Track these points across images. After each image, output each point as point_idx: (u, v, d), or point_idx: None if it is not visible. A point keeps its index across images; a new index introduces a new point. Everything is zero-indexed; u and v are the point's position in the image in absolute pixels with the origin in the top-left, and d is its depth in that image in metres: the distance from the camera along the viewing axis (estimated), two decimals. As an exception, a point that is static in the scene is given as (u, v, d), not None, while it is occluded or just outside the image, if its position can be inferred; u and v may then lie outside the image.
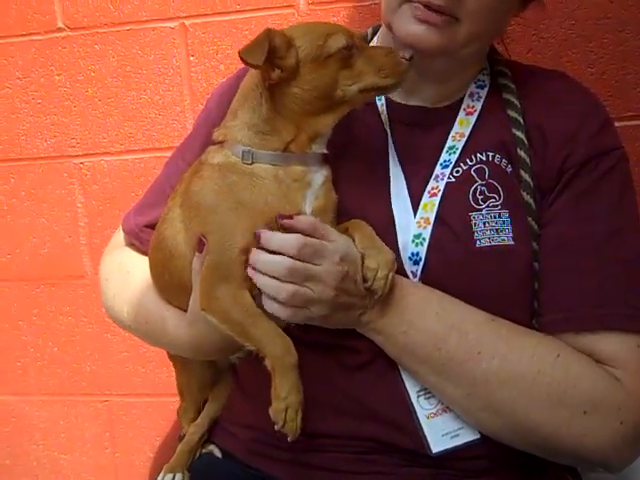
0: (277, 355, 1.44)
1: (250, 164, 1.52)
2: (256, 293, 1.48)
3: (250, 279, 1.46)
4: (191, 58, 2.54)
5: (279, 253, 1.44)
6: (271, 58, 1.44)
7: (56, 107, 2.66)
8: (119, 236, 2.01)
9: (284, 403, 1.43)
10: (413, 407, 1.58)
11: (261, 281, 1.45)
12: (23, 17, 2.61)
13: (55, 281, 2.80)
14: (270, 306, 1.46)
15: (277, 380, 1.44)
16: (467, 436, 1.57)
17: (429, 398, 1.58)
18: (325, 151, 1.57)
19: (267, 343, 1.45)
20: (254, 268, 1.45)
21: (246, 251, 1.46)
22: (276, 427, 1.44)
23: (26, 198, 2.75)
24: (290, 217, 1.46)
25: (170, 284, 1.67)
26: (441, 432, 1.57)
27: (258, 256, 1.45)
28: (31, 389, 2.91)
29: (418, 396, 1.58)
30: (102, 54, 2.59)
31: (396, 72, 1.51)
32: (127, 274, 1.86)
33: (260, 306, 1.47)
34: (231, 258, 1.47)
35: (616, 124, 1.72)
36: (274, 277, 1.44)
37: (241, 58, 1.42)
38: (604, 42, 2.26)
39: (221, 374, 1.89)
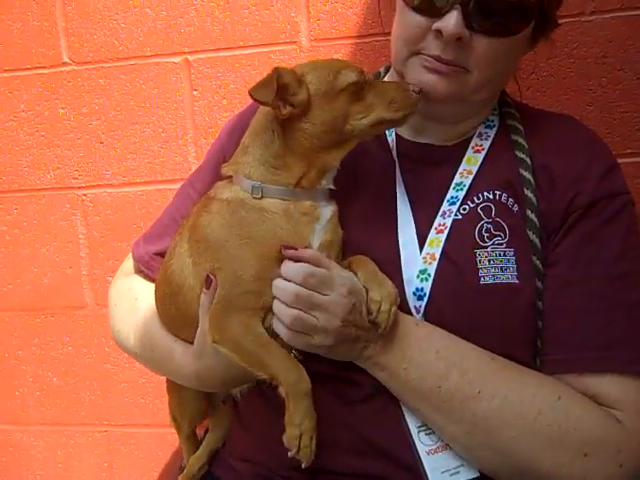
0: (291, 382, 1.46)
1: (260, 198, 1.55)
2: (268, 324, 1.52)
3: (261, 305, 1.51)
4: (194, 93, 2.56)
5: (289, 279, 1.48)
6: (282, 95, 1.48)
7: (60, 140, 2.69)
8: (129, 263, 2.03)
9: (298, 430, 1.44)
10: (414, 443, 1.58)
11: (274, 304, 1.49)
12: (28, 51, 2.64)
13: (55, 311, 2.80)
14: (276, 326, 1.50)
15: (291, 407, 1.45)
16: (467, 474, 1.57)
17: (430, 434, 1.59)
18: (332, 187, 1.60)
19: (281, 370, 1.47)
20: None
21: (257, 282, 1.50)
22: (290, 453, 1.45)
23: (28, 229, 2.76)
24: (294, 248, 1.49)
25: (176, 317, 1.69)
26: (441, 469, 1.57)
27: (275, 281, 1.49)
28: (30, 419, 2.91)
29: (419, 431, 1.59)
30: (106, 88, 2.62)
31: (407, 105, 1.55)
32: (135, 301, 1.88)
33: (273, 334, 1.51)
34: (242, 290, 1.50)
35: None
36: (284, 302, 1.48)
37: (251, 96, 1.46)
38: (603, 81, 2.29)
39: (216, 406, 1.89)
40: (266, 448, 1.68)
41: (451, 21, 1.52)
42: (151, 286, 1.84)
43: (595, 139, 1.75)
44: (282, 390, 1.46)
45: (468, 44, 1.55)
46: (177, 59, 2.56)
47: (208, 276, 1.53)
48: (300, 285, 1.46)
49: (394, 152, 1.76)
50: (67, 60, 2.63)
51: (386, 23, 1.72)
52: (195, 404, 1.86)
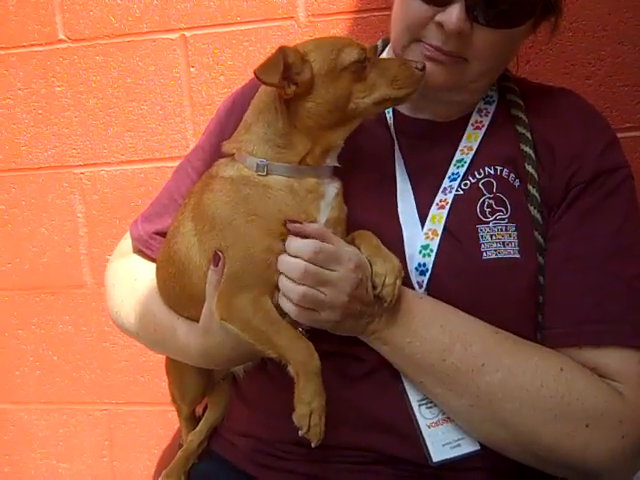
0: (301, 360, 1.46)
1: (264, 176, 1.54)
2: (276, 302, 1.51)
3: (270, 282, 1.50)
4: (191, 69, 2.55)
5: (296, 256, 1.47)
6: (287, 74, 1.47)
7: (57, 118, 2.67)
8: (126, 243, 2.02)
9: (308, 408, 1.44)
10: (415, 416, 1.59)
11: (280, 280, 1.49)
12: (24, 28, 2.62)
13: (55, 290, 2.80)
14: (283, 303, 1.49)
15: (301, 385, 1.45)
16: (467, 447, 1.58)
17: (430, 407, 1.60)
18: (337, 164, 1.60)
19: (290, 349, 1.47)
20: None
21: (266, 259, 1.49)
22: (300, 432, 1.45)
23: (26, 208, 2.76)
24: (299, 222, 1.49)
25: (181, 296, 1.69)
26: (442, 442, 1.58)
27: (281, 258, 1.48)
28: (30, 397, 2.91)
29: (419, 405, 1.60)
30: (103, 65, 2.61)
31: (410, 82, 1.54)
32: (134, 281, 1.88)
33: (282, 312, 1.50)
34: (251, 268, 1.50)
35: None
36: (291, 278, 1.47)
37: (257, 77, 1.45)
38: (602, 54, 2.28)
39: (216, 383, 1.90)
40: (267, 423, 1.69)
41: (453, 15, 1.52)
42: (151, 266, 1.84)
43: (594, 113, 1.75)
44: (291, 369, 1.46)
45: (469, 35, 1.55)
46: (174, 35, 2.54)
47: (216, 253, 1.52)
48: (308, 261, 1.46)
49: (392, 128, 1.75)
50: (63, 37, 2.61)
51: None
52: (195, 385, 1.87)
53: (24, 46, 2.64)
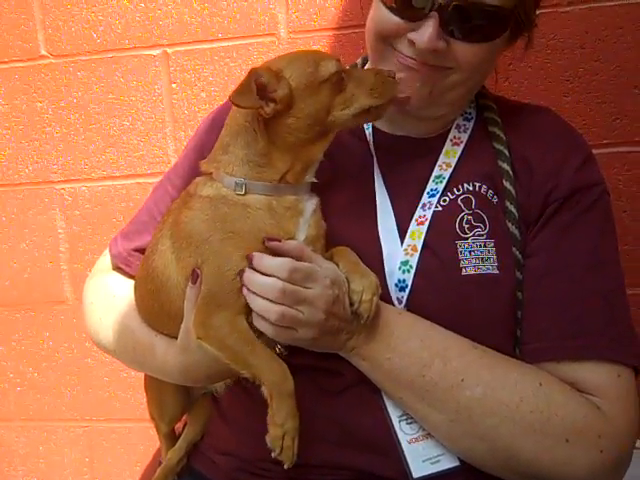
0: (275, 382, 1.45)
1: (243, 195, 1.53)
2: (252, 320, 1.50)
3: (245, 302, 1.48)
4: (173, 85, 2.56)
5: (271, 275, 1.45)
6: (263, 94, 1.46)
7: (38, 133, 2.68)
8: (105, 260, 2.01)
9: (281, 430, 1.44)
10: (395, 432, 1.59)
11: (253, 301, 1.46)
12: (6, 44, 2.63)
13: (36, 306, 2.79)
14: (259, 324, 1.48)
15: (275, 407, 1.44)
16: (447, 463, 1.58)
17: (411, 423, 1.59)
18: (315, 180, 1.60)
19: (265, 370, 1.46)
20: (248, 288, 1.47)
21: (241, 277, 1.48)
22: (273, 454, 1.44)
23: (7, 223, 2.75)
24: (278, 240, 1.48)
25: (160, 314, 1.67)
26: (422, 458, 1.58)
27: (252, 277, 1.46)
28: (11, 414, 2.90)
29: (400, 421, 1.59)
30: (84, 81, 2.61)
31: (386, 89, 1.54)
32: (113, 298, 1.86)
33: (255, 330, 1.49)
34: (227, 286, 1.48)
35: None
36: (266, 298, 1.45)
37: (232, 102, 1.45)
38: (579, 71, 2.31)
39: (195, 399, 1.88)
40: (247, 441, 1.68)
41: (425, 35, 1.53)
42: (129, 283, 1.83)
43: (570, 130, 1.76)
44: (265, 390, 1.45)
45: (447, 49, 1.55)
46: (156, 52, 2.55)
47: (194, 270, 1.51)
48: (284, 280, 1.44)
49: (371, 145, 1.76)
50: (45, 53, 2.62)
51: (366, 15, 1.71)
52: (174, 404, 1.86)
53: (5, 62, 2.65)
